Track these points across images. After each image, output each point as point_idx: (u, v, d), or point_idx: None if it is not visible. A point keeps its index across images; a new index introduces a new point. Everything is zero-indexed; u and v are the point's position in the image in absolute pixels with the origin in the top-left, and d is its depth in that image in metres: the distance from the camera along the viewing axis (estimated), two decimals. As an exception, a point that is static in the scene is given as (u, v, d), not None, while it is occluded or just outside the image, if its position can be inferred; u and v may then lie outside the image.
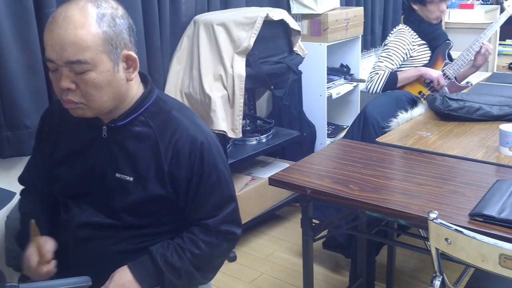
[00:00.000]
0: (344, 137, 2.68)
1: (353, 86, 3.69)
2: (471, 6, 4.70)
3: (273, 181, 1.78)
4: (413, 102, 2.60)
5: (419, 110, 2.40)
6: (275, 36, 2.69)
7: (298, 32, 2.80)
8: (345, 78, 3.68)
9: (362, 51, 3.86)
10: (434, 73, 2.82)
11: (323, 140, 3.44)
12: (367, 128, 2.43)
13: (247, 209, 2.75)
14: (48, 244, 1.37)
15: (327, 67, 3.36)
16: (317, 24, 3.28)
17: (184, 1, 2.67)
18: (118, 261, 1.34)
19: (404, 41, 2.87)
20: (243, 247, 2.82)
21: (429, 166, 1.79)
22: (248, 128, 3.03)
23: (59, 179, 1.41)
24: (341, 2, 3.55)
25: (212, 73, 2.54)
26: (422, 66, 2.89)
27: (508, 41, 4.82)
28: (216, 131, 2.47)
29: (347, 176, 1.74)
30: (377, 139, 2.10)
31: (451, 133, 2.11)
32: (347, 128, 2.87)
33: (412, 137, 2.08)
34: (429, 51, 2.92)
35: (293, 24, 2.75)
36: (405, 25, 2.94)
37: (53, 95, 2.12)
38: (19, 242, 1.45)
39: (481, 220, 1.39)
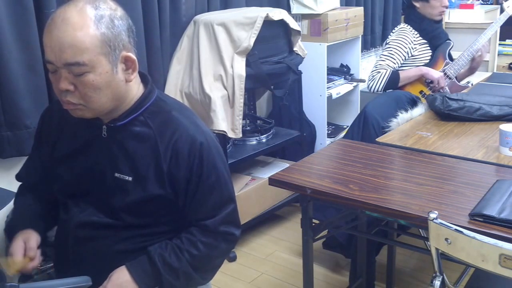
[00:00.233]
0: (344, 137, 2.68)
1: (353, 86, 3.69)
2: (471, 6, 4.70)
3: (273, 181, 1.78)
4: (413, 102, 2.60)
5: (419, 110, 2.40)
6: (275, 36, 2.69)
7: (298, 32, 2.80)
8: (345, 78, 3.68)
9: (362, 51, 3.86)
10: (435, 74, 2.82)
11: (323, 140, 3.44)
12: (367, 128, 2.43)
13: (247, 209, 2.75)
14: (32, 240, 1.37)
15: (327, 67, 3.36)
16: (317, 24, 3.28)
17: (184, 1, 2.67)
18: (117, 261, 1.34)
19: (405, 39, 2.87)
20: (243, 247, 2.82)
21: (429, 166, 1.79)
22: (248, 128, 3.03)
23: (59, 179, 1.42)
24: (341, 2, 3.55)
25: (212, 73, 2.54)
26: (423, 65, 2.89)
27: (508, 41, 4.82)
28: (216, 131, 2.47)
29: (347, 176, 1.74)
30: (377, 139, 2.10)
31: (451, 133, 2.11)
32: (347, 128, 2.87)
33: (412, 137, 2.08)
34: (430, 51, 2.92)
35: (293, 24, 2.75)
36: (406, 24, 2.95)
37: (53, 95, 2.12)
38: (7, 234, 1.45)
39: (481, 220, 1.39)
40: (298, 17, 3.33)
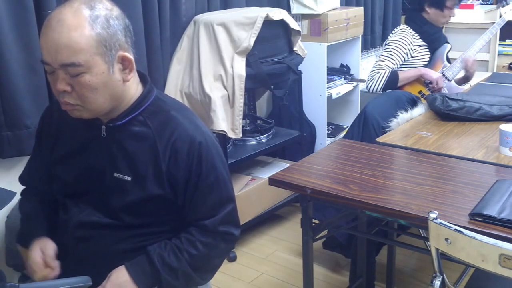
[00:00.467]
0: (344, 137, 2.68)
1: (353, 86, 3.69)
2: (471, 6, 4.70)
3: (273, 181, 1.78)
4: (413, 102, 2.60)
5: (419, 110, 2.40)
6: (275, 36, 2.69)
7: (298, 32, 2.80)
8: (345, 78, 3.68)
9: (362, 51, 3.86)
10: (434, 75, 2.83)
11: (323, 140, 3.44)
12: (367, 128, 2.43)
13: (247, 209, 2.75)
14: (49, 249, 1.37)
15: (327, 67, 3.36)
16: (317, 24, 3.28)
17: (184, 1, 2.67)
18: (117, 260, 1.34)
19: (405, 40, 2.87)
20: (243, 247, 2.82)
21: (429, 166, 1.79)
22: (248, 128, 3.03)
23: (58, 179, 1.42)
24: (341, 2, 3.55)
25: (212, 73, 2.54)
26: (422, 67, 2.90)
27: (508, 41, 4.82)
28: (216, 131, 2.47)
29: (347, 176, 1.74)
30: (377, 139, 2.10)
31: (451, 133, 2.11)
32: (347, 128, 2.87)
33: (412, 137, 2.08)
34: (429, 53, 2.93)
35: (293, 24, 2.75)
36: (407, 25, 2.95)
37: (53, 95, 2.12)
38: (21, 241, 1.46)
39: (481, 220, 1.39)
40: (298, 17, 3.33)
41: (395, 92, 2.79)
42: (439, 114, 2.29)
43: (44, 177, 1.47)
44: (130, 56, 1.28)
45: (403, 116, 2.30)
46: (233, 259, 2.71)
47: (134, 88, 1.34)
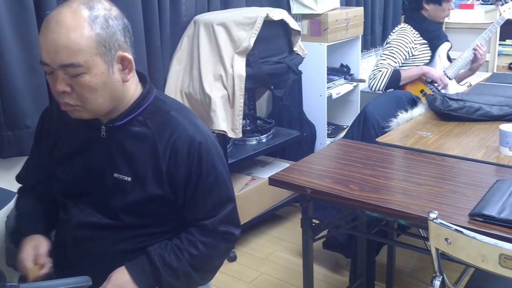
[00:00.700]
0: (344, 137, 2.68)
1: (353, 86, 3.68)
2: (471, 6, 4.70)
3: (273, 181, 1.78)
4: (413, 102, 2.60)
5: (419, 110, 2.40)
6: (275, 36, 2.69)
7: (298, 32, 2.80)
8: (345, 78, 3.68)
9: (362, 51, 3.86)
10: (436, 73, 2.84)
11: (323, 140, 3.44)
12: (367, 128, 2.43)
13: (247, 209, 2.75)
14: (42, 247, 1.37)
15: (327, 67, 3.36)
16: (317, 24, 3.28)
17: (184, 1, 2.67)
18: (117, 261, 1.34)
19: (406, 39, 2.88)
20: (243, 247, 2.82)
21: (429, 166, 1.79)
22: (248, 128, 3.03)
23: (58, 179, 1.42)
24: (341, 2, 3.55)
25: (212, 73, 2.54)
26: (423, 65, 2.90)
27: (508, 41, 4.82)
28: (216, 131, 2.47)
29: (347, 176, 1.74)
30: (377, 139, 2.10)
31: (451, 133, 2.11)
32: (347, 128, 2.87)
33: (412, 137, 2.08)
34: (430, 51, 2.93)
35: (293, 24, 2.75)
36: (407, 24, 2.95)
37: (53, 95, 2.12)
38: (14, 240, 1.45)
39: (481, 220, 1.39)
40: (298, 17, 3.33)
41: (395, 92, 2.79)
42: (439, 114, 2.29)
43: (41, 177, 1.47)
44: (130, 56, 1.28)
45: (403, 116, 2.30)
46: (233, 259, 2.71)
47: (133, 88, 1.34)
